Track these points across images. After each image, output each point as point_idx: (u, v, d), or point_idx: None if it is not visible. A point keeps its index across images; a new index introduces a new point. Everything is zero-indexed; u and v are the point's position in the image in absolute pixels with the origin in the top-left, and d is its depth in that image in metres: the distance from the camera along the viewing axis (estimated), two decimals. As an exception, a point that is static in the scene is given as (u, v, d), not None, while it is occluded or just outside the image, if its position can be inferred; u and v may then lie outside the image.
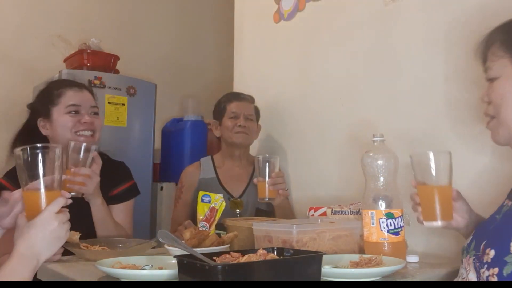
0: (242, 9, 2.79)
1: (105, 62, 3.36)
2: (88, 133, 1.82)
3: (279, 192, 2.00)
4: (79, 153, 1.65)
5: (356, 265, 1.21)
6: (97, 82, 3.14)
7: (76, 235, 1.48)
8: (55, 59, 3.43)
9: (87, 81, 2.83)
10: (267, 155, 2.05)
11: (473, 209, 1.30)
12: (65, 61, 3.42)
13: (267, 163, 1.99)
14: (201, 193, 1.62)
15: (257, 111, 2.36)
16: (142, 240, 1.68)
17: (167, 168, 3.67)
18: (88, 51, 3.32)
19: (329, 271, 1.13)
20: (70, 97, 1.83)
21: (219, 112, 2.33)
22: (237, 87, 2.68)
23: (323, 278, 1.11)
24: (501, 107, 1.13)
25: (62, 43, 3.60)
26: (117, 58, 3.44)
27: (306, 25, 2.34)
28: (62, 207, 1.13)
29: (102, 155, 1.87)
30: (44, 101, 1.84)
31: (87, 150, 1.66)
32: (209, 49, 4.23)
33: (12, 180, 1.75)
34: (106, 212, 1.78)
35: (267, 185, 1.98)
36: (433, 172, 1.23)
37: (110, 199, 1.86)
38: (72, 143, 1.66)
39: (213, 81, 4.05)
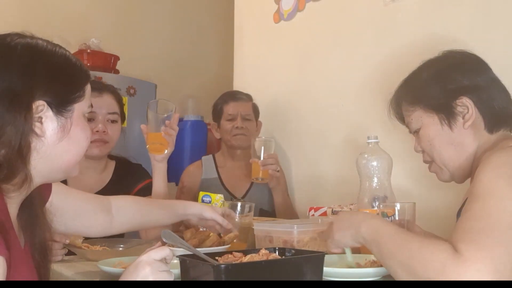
0: (242, 9, 2.79)
1: (105, 62, 3.36)
2: (99, 142, 1.80)
3: (269, 172, 2.01)
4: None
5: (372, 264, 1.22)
6: (97, 82, 3.14)
7: (79, 239, 1.48)
8: (55, 59, 3.41)
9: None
10: (263, 137, 2.07)
11: None
12: (65, 61, 3.41)
13: (262, 145, 2.02)
14: (201, 193, 1.62)
15: (255, 109, 2.36)
16: (143, 240, 1.68)
17: (167, 168, 3.64)
18: (88, 51, 3.32)
19: (330, 271, 1.13)
20: None
21: (216, 114, 2.34)
22: (237, 87, 2.68)
23: (325, 278, 1.12)
24: (433, 152, 1.26)
25: (62, 43, 3.59)
26: (117, 58, 3.44)
27: (306, 25, 2.34)
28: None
29: (121, 159, 1.87)
30: None
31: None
32: (209, 49, 4.23)
33: None
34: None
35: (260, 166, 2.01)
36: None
37: None
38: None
39: (213, 81, 4.05)
